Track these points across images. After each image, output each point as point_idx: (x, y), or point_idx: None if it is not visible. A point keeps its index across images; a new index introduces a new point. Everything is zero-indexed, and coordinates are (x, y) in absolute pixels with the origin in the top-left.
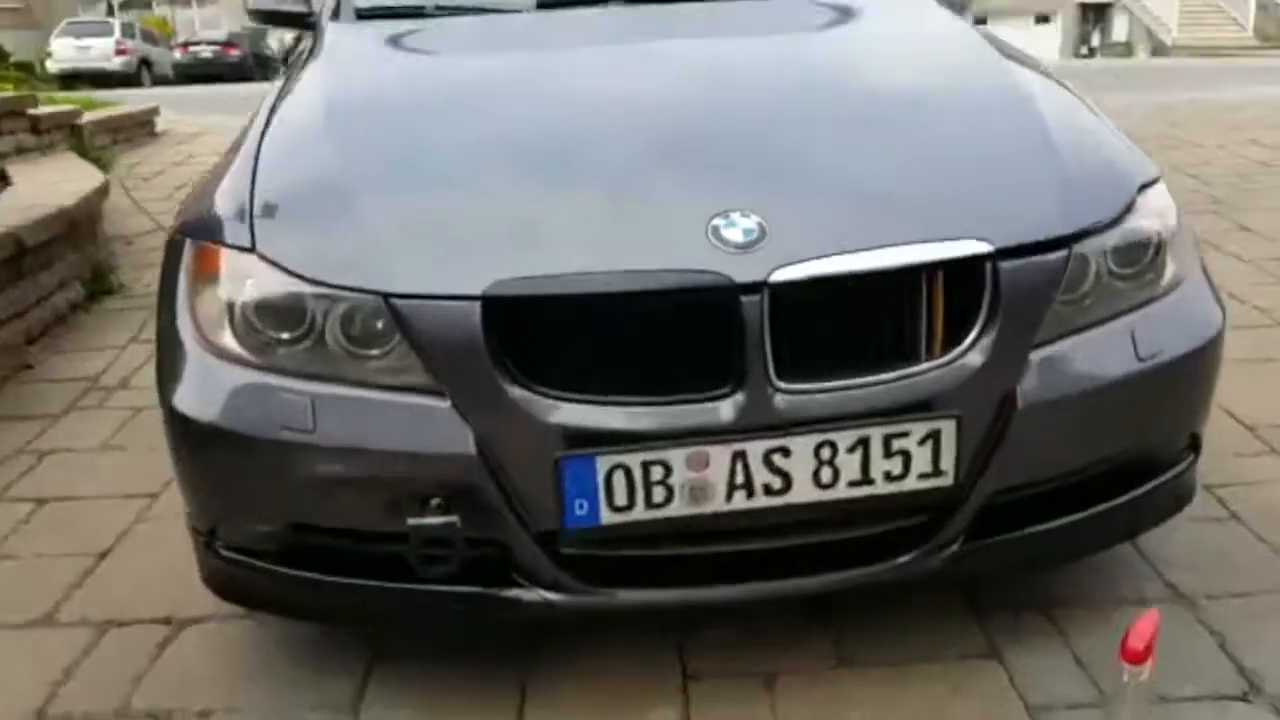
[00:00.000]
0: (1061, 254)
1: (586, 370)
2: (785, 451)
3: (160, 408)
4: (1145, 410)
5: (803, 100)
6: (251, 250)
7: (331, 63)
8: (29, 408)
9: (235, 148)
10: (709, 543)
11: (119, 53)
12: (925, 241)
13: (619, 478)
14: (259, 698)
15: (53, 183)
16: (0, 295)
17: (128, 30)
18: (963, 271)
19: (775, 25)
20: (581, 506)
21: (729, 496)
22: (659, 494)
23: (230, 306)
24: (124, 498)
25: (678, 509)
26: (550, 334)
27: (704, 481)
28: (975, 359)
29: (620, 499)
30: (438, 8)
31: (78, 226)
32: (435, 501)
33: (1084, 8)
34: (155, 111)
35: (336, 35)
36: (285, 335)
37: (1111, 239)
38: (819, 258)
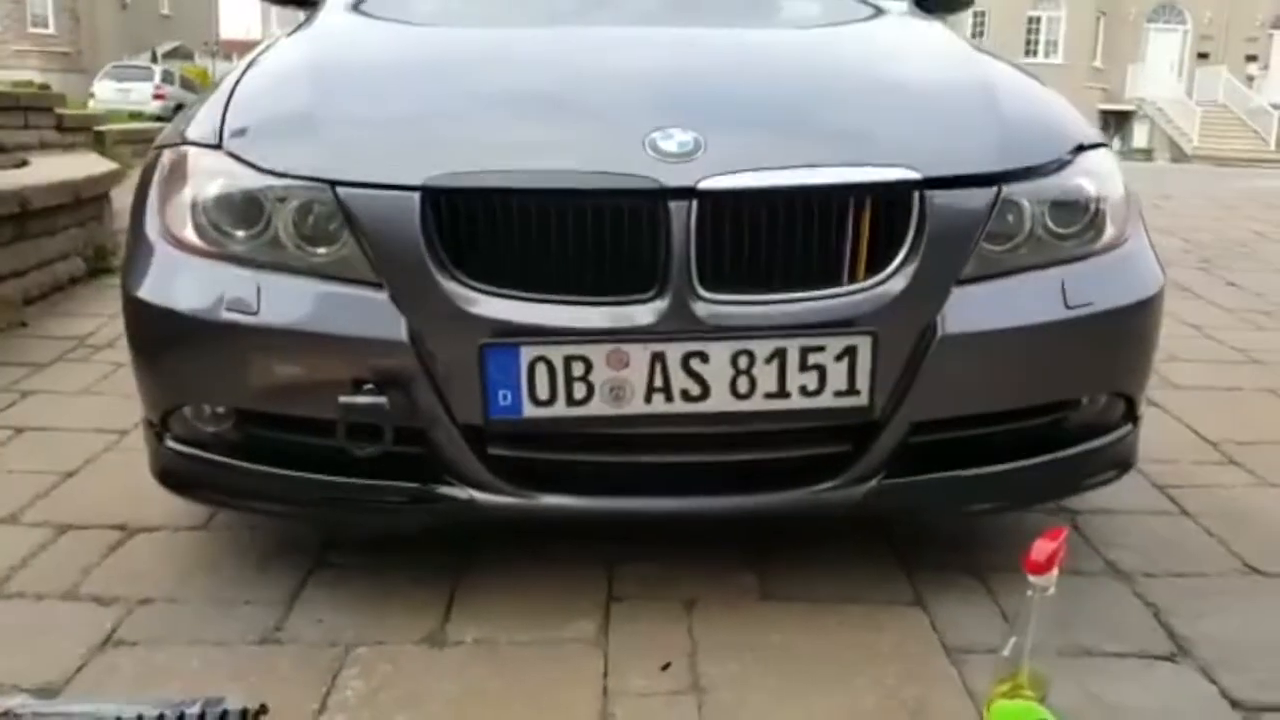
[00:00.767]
0: (990, 191)
1: (518, 268)
2: (703, 357)
3: (123, 309)
4: (1071, 360)
5: (759, 51)
6: (219, 147)
7: (314, 30)
8: (18, 356)
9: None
10: (631, 452)
11: (156, 97)
12: (855, 165)
13: (541, 370)
14: (199, 591)
15: (67, 165)
16: (2, 249)
17: (167, 77)
18: (891, 199)
19: (745, 8)
20: (505, 397)
21: (648, 398)
22: (580, 390)
23: (194, 203)
24: (96, 431)
25: (598, 408)
26: (485, 231)
27: (623, 381)
28: (897, 285)
29: (542, 392)
30: None
31: (83, 202)
32: (367, 386)
33: (1105, 114)
34: None
35: (328, 11)
36: (242, 232)
37: (1048, 191)
38: (749, 171)
